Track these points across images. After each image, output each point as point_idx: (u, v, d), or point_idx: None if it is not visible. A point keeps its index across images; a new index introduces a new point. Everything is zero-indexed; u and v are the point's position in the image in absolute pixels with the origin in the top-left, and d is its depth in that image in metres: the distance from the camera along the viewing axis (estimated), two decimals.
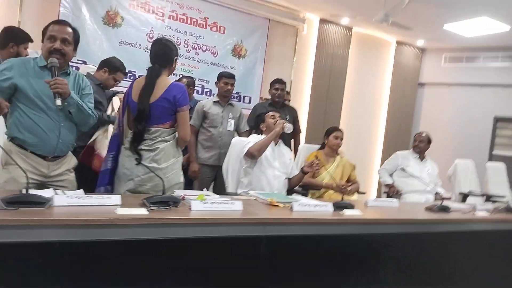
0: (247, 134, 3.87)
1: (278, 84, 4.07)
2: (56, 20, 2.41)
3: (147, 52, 4.60)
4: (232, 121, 3.81)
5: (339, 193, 3.45)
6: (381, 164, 6.29)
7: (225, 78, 3.75)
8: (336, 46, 5.89)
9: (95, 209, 1.81)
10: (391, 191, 3.94)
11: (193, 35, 4.88)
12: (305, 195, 3.42)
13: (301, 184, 3.48)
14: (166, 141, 2.45)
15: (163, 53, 2.49)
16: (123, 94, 2.64)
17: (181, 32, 4.82)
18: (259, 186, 3.09)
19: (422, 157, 4.03)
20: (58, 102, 2.07)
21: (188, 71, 4.82)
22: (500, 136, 6.01)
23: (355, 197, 3.62)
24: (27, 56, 3.03)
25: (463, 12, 4.78)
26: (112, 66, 3.09)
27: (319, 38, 5.76)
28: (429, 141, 3.97)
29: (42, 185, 2.19)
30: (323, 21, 5.76)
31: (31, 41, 2.94)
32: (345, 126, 5.73)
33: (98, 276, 1.68)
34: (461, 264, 2.65)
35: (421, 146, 3.96)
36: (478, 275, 2.72)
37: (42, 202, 1.73)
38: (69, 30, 2.25)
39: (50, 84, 2.07)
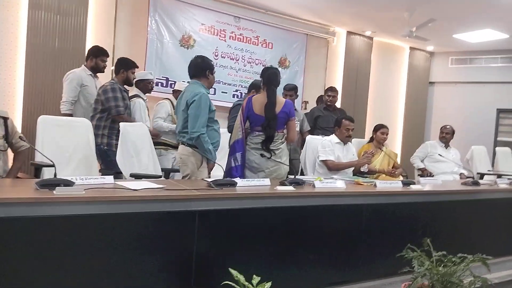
0: (308, 133, 4.82)
1: (331, 91, 5.00)
2: None
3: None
4: (298, 123, 4.76)
5: (389, 176, 4.45)
6: (401, 151, 7.33)
7: (286, 91, 4.66)
8: (360, 53, 6.88)
9: (258, 188, 2.73)
10: (424, 174, 4.93)
11: (248, 51, 5.82)
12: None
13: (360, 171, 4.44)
14: (283, 142, 3.40)
15: (275, 78, 3.42)
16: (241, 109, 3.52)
17: (239, 49, 5.74)
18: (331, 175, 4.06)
19: (447, 146, 5.04)
20: None
21: (245, 81, 5.74)
22: (503, 125, 7.13)
23: (400, 178, 4.59)
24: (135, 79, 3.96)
25: (470, 25, 5.80)
26: (257, 86, 4.05)
27: (346, 48, 6.75)
28: (453, 133, 4.99)
29: None
30: (349, 33, 6.74)
31: (137, 67, 3.93)
32: (370, 121, 6.75)
33: (261, 232, 2.56)
34: (489, 223, 3.63)
35: (447, 137, 4.97)
36: (504, 232, 3.71)
37: (234, 184, 2.66)
38: None
39: None
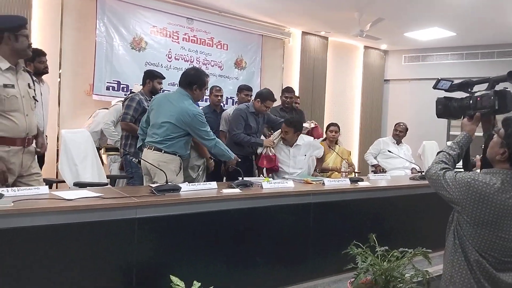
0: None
1: (287, 93, 4.94)
2: None
3: (167, 70, 5.48)
4: None
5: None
6: (359, 147, 7.48)
7: (245, 90, 4.67)
8: (316, 53, 6.97)
9: (203, 192, 2.71)
10: (378, 170, 5.05)
11: (203, 53, 5.77)
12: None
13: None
14: None
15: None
16: None
17: (193, 51, 5.69)
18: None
19: (399, 142, 5.17)
20: None
21: None
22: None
23: (352, 175, 4.68)
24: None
25: (419, 24, 5.98)
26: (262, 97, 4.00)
27: (302, 48, 6.81)
28: (406, 130, 5.14)
29: None
30: (304, 33, 6.80)
31: (164, 78, 3.92)
32: (328, 118, 6.84)
33: (207, 237, 2.61)
34: (436, 217, 3.75)
35: (400, 135, 5.11)
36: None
37: (178, 189, 2.62)
38: None
39: None
